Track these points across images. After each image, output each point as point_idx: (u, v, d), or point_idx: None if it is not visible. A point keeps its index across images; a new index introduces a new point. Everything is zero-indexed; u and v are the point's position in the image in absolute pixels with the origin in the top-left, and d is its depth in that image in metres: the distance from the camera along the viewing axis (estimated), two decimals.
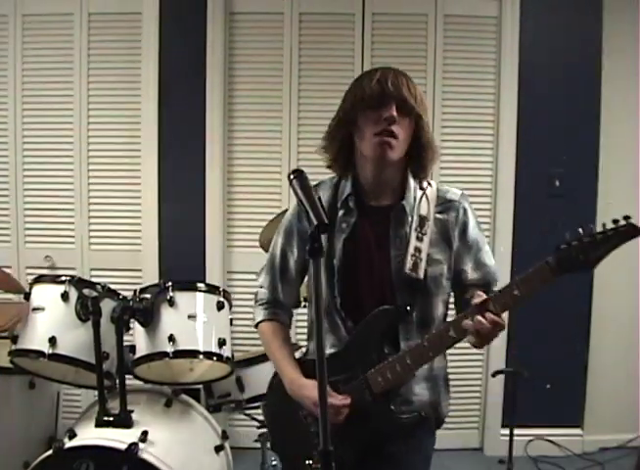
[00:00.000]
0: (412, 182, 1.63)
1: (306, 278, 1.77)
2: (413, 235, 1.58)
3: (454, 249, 1.62)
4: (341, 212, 1.63)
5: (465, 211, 1.63)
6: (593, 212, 3.30)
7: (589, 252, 1.32)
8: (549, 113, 3.27)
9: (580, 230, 1.34)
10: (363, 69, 3.22)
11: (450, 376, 1.73)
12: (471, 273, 1.63)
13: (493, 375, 3.01)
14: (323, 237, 1.53)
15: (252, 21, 3.27)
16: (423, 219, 1.59)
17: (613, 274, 3.27)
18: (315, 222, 1.22)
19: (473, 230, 1.64)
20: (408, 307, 1.56)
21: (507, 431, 2.96)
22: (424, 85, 3.25)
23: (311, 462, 1.63)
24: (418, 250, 1.56)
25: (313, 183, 1.43)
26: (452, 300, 1.72)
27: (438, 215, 1.61)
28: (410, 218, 1.59)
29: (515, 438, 2.94)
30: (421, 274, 1.56)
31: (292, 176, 1.35)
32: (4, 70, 3.26)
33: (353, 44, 3.24)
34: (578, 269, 1.34)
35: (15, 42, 3.24)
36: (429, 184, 1.65)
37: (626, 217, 1.30)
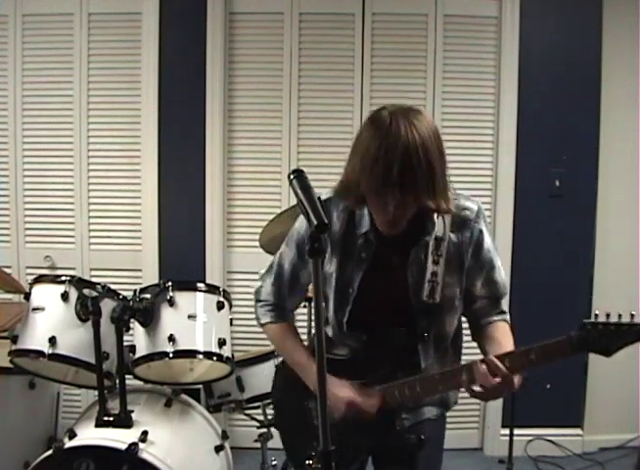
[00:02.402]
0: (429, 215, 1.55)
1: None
2: (430, 259, 1.56)
3: (465, 268, 1.60)
4: (360, 241, 1.59)
5: (480, 231, 1.59)
6: (593, 212, 3.31)
7: (614, 338, 1.33)
8: (549, 113, 3.27)
9: (605, 315, 1.35)
10: (363, 69, 3.23)
11: None
12: (480, 288, 1.64)
13: None
14: (327, 255, 1.55)
15: (252, 21, 3.27)
16: (438, 241, 1.56)
17: (613, 274, 3.29)
18: (315, 222, 1.22)
19: (486, 250, 1.61)
20: (426, 334, 1.57)
21: (507, 431, 2.97)
22: (424, 85, 3.25)
23: (311, 462, 1.62)
24: (434, 274, 1.55)
25: (316, 188, 1.40)
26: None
27: (452, 235, 1.57)
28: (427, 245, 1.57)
29: (515, 438, 2.94)
30: (437, 299, 1.56)
31: (292, 176, 1.34)
32: (4, 70, 3.26)
33: (353, 44, 3.24)
34: (598, 352, 1.33)
35: (15, 42, 3.24)
36: None
37: None
